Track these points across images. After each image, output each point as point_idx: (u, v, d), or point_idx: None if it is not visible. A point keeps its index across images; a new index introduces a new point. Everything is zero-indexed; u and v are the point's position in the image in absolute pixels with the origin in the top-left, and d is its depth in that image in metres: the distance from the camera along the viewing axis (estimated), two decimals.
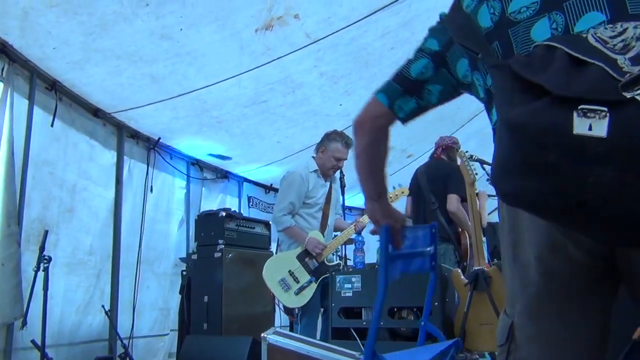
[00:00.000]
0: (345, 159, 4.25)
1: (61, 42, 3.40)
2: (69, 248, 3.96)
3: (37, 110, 3.67)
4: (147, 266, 4.83)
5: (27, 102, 3.59)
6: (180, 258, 5.32)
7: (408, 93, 1.41)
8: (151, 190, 4.95)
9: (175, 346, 5.15)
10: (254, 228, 5.26)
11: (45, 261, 3.18)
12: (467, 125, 6.62)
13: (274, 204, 6.82)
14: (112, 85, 4.02)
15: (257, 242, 5.27)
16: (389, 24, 4.36)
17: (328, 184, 4.31)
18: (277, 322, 5.50)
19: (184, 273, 5.26)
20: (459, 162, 4.13)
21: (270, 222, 5.70)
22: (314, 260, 4.00)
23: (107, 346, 4.31)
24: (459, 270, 3.29)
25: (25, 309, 3.30)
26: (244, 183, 6.48)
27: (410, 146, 6.73)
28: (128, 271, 4.59)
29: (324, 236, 4.11)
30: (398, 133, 4.97)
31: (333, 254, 4.24)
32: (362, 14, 4.13)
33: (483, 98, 1.28)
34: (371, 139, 1.49)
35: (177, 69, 3.97)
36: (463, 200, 4.50)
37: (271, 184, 6.88)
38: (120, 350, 4.29)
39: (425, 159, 7.27)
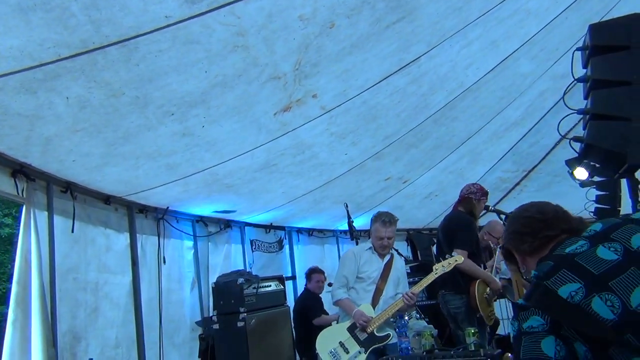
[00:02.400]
0: (388, 237, 4.24)
1: (82, 155, 3.25)
2: (98, 349, 3.85)
3: (56, 219, 3.52)
4: (167, 339, 4.75)
5: (46, 213, 3.43)
6: (196, 322, 5.25)
7: None
8: (164, 262, 4.83)
9: None
10: (270, 286, 5.22)
11: None
12: (460, 147, 6.72)
13: (275, 243, 6.81)
14: (127, 177, 3.88)
15: (274, 300, 5.23)
16: (399, 83, 4.34)
17: (384, 261, 4.33)
18: None
19: (202, 336, 5.20)
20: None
21: (284, 277, 5.71)
22: (364, 332, 4.04)
23: None
24: (510, 355, 3.35)
25: None
26: (246, 227, 6.39)
27: (407, 173, 6.78)
28: (152, 351, 4.50)
29: (374, 309, 4.14)
30: (396, 162, 5.04)
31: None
32: (376, 80, 4.10)
33: None
34: None
35: (194, 156, 3.86)
36: (471, 254, 4.54)
37: (271, 223, 6.82)
38: None
39: (419, 184, 7.38)
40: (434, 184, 7.61)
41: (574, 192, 7.88)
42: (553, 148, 8.07)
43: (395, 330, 3.95)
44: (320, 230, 7.92)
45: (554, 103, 6.97)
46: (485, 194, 4.89)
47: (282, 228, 7.12)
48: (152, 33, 2.32)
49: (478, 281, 4.43)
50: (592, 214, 7.69)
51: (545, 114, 7.20)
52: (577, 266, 1.40)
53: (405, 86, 4.44)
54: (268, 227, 6.82)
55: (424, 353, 3.50)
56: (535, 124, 7.33)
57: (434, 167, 6.91)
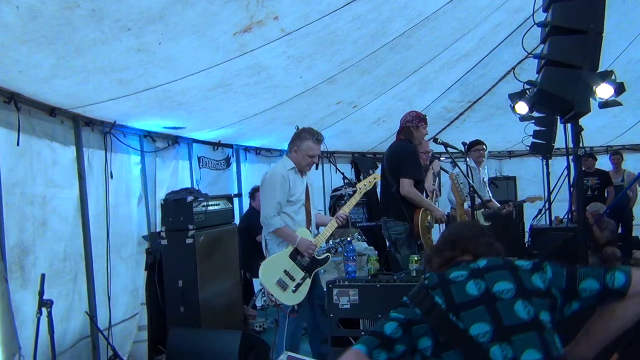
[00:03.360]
0: (318, 154, 4.30)
1: (29, 66, 3.07)
2: (47, 262, 3.83)
3: (0, 131, 3.37)
4: (115, 254, 4.76)
5: None
6: (143, 237, 5.28)
7: (382, 346, 1.79)
8: (112, 177, 4.75)
9: (145, 319, 5.26)
10: (218, 205, 5.28)
11: (47, 305, 3.11)
12: (411, 76, 6.79)
13: (222, 160, 6.80)
14: (76, 90, 3.72)
15: (223, 219, 5.32)
16: (360, 10, 4.28)
17: (305, 180, 4.38)
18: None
19: (149, 250, 5.27)
20: (450, 184, 4.30)
21: (232, 195, 5.76)
22: (305, 257, 4.15)
23: (90, 342, 4.36)
24: None
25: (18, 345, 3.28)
26: (193, 144, 6.32)
27: (358, 98, 6.82)
28: (100, 264, 4.53)
29: (310, 231, 4.26)
30: (349, 87, 5.11)
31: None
32: (338, 5, 4.01)
33: None
34: None
35: (148, 72, 3.72)
36: (417, 182, 4.75)
37: (219, 141, 6.76)
38: (102, 342, 4.39)
39: (368, 109, 7.44)
40: (382, 110, 7.72)
41: (514, 125, 8.25)
42: (499, 81, 8.29)
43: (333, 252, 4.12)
44: (268, 150, 7.94)
45: (506, 36, 7.08)
46: (422, 119, 5.00)
47: (229, 146, 7.09)
48: None
49: (422, 210, 4.66)
50: (527, 148, 8.11)
51: (496, 47, 7.32)
52: (449, 291, 1.83)
53: (366, 13, 4.38)
54: (216, 145, 6.77)
55: (369, 277, 3.72)
56: (485, 57, 7.46)
57: (384, 93, 6.97)
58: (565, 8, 3.07)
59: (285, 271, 4.11)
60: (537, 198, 7.26)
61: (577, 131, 3.22)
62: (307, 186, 4.42)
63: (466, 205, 4.93)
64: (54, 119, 4.02)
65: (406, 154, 4.79)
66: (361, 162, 9.51)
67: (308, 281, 4.16)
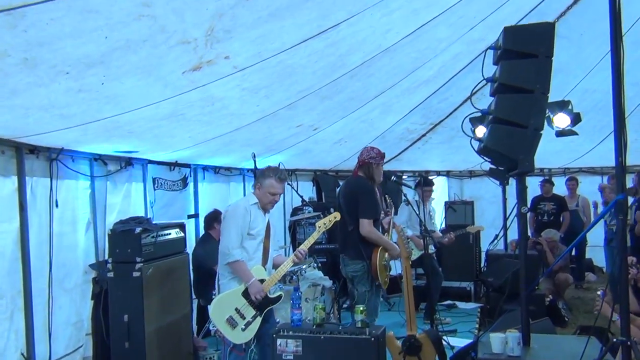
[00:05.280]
0: (281, 193, 4.30)
1: None
2: None
3: None
4: (57, 285, 4.59)
5: None
6: (90, 265, 5.11)
7: None
8: (57, 206, 4.58)
9: (90, 350, 5.11)
10: (169, 234, 5.14)
11: None
12: (373, 100, 6.79)
13: (179, 181, 6.66)
14: (17, 124, 3.57)
15: (173, 248, 5.16)
16: (317, 47, 4.23)
17: (267, 218, 4.35)
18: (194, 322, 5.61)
19: (96, 279, 5.11)
20: (395, 237, 4.33)
21: (185, 223, 5.63)
22: None
23: None
24: (393, 334, 3.59)
25: None
26: (148, 165, 6.16)
27: (319, 121, 6.79)
28: (40, 299, 4.36)
29: (265, 269, 4.23)
30: (310, 112, 5.08)
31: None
32: (293, 43, 3.96)
33: None
34: None
35: (91, 107, 3.60)
36: (376, 220, 4.75)
37: (176, 161, 6.62)
38: None
39: (329, 132, 7.41)
40: (344, 131, 7.71)
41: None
42: (459, 106, 8.37)
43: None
44: (227, 168, 7.83)
45: (465, 65, 7.15)
46: (383, 157, 5.02)
47: (187, 166, 6.95)
48: (43, 3, 2.06)
49: (380, 249, 4.65)
50: (485, 172, 8.24)
51: (456, 75, 7.39)
52: None
53: (323, 48, 4.34)
54: (172, 165, 6.62)
55: (314, 326, 3.67)
56: (446, 83, 7.52)
57: (346, 116, 6.96)
58: (513, 66, 3.08)
59: (236, 309, 4.11)
60: (478, 228, 7.89)
61: (522, 189, 3.23)
62: (268, 224, 4.40)
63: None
64: None
65: (364, 193, 4.74)
66: (323, 181, 9.48)
67: (259, 320, 4.14)
